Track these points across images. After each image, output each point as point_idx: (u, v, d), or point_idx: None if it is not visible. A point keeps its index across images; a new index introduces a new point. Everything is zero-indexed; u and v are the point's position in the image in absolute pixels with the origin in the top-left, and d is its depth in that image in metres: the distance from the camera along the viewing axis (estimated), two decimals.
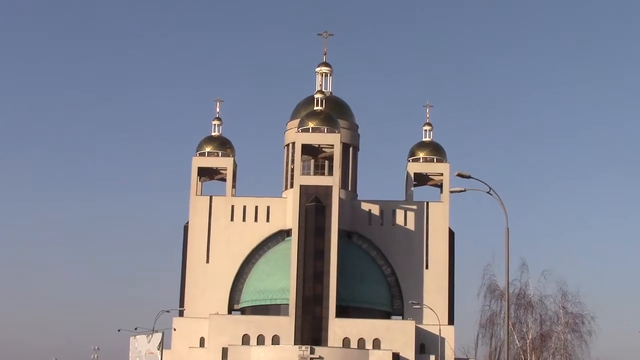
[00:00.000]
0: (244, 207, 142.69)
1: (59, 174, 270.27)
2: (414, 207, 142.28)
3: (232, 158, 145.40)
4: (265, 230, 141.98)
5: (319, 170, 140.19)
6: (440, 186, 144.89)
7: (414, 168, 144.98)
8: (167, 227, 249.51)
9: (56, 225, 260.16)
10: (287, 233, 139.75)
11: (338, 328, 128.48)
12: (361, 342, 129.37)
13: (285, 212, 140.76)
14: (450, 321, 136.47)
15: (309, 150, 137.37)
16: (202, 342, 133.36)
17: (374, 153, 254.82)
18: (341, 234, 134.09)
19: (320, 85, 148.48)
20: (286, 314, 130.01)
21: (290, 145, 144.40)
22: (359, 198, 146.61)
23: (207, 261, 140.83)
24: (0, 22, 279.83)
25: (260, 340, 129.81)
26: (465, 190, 54.79)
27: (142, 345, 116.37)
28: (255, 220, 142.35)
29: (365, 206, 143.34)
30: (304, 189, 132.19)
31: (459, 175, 52.95)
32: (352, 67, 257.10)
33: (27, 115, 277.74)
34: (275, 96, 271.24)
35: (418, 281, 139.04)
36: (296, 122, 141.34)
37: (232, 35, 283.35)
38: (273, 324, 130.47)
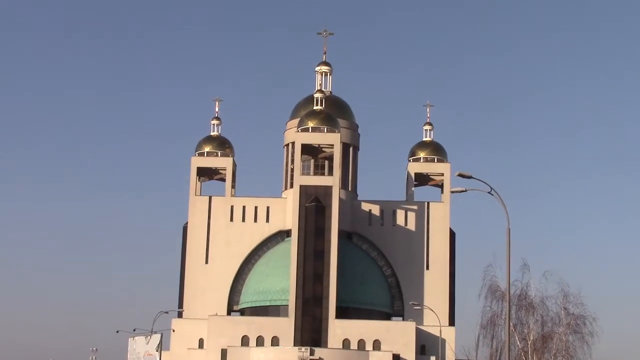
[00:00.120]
0: (244, 208, 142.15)
1: (58, 174, 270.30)
2: (415, 207, 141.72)
3: (232, 158, 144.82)
4: (264, 230, 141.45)
5: (318, 170, 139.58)
6: (441, 186, 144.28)
7: (414, 168, 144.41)
8: (166, 228, 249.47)
9: (54, 226, 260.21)
10: (287, 233, 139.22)
11: (338, 329, 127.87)
12: (361, 344, 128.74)
13: (285, 212, 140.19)
14: (451, 322, 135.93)
15: (308, 150, 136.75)
16: (201, 344, 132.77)
17: (374, 153, 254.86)
18: (341, 234, 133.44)
19: (320, 84, 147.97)
20: (286, 315, 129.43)
21: (290, 145, 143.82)
22: (359, 198, 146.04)
23: (207, 262, 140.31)
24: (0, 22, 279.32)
25: (260, 341, 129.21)
26: (466, 191, 54.59)
27: (140, 347, 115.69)
28: (255, 220, 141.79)
29: (365, 206, 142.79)
30: (303, 189, 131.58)
31: (460, 175, 52.70)
32: (352, 66, 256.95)
33: (26, 115, 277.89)
34: (275, 96, 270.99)
35: (418, 282, 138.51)
36: (296, 121, 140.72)
37: (231, 34, 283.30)
38: (272, 325, 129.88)
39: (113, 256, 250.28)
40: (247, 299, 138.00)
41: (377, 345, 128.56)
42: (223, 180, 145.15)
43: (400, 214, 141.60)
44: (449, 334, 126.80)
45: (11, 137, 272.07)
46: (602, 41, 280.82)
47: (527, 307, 72.84)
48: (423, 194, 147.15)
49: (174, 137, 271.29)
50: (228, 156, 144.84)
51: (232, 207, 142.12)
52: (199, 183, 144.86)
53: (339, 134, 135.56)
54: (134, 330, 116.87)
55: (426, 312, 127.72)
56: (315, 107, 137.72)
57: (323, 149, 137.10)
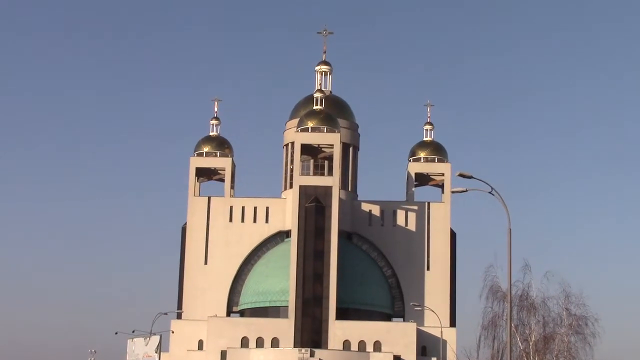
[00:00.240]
0: (243, 208, 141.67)
1: (58, 174, 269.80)
2: (415, 207, 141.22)
3: (231, 158, 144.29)
4: (264, 231, 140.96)
5: (318, 170, 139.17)
6: (442, 186, 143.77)
7: (414, 168, 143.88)
8: (164, 228, 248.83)
9: (52, 226, 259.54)
10: (287, 234, 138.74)
11: (338, 330, 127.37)
12: (362, 345, 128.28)
13: (285, 212, 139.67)
14: (452, 323, 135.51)
15: (308, 150, 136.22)
16: (200, 345, 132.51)
17: (375, 153, 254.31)
18: (341, 234, 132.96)
19: (320, 84, 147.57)
20: (286, 316, 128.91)
21: (290, 145, 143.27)
22: (359, 198, 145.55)
23: (206, 263, 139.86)
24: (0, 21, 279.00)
25: (260, 342, 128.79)
26: (466, 191, 54.32)
27: (139, 348, 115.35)
28: (254, 221, 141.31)
29: (365, 207, 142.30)
30: (303, 190, 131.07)
31: (461, 175, 52.42)
32: (352, 65, 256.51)
33: (26, 115, 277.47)
34: (274, 95, 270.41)
35: (419, 283, 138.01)
36: (295, 121, 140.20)
37: (231, 34, 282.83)
38: (272, 326, 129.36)
39: (112, 257, 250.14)
40: (246, 300, 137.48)
41: (377, 346, 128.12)
42: (222, 180, 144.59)
43: (400, 214, 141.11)
44: (450, 335, 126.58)
45: (11, 137, 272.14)
46: (602, 41, 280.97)
47: (528, 307, 72.51)
48: (423, 194, 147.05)
49: (172, 137, 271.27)
50: (227, 156, 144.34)
51: (231, 207, 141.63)
52: (197, 183, 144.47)
53: (339, 134, 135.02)
54: (133, 331, 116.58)
55: (427, 313, 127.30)
56: (315, 107, 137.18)
57: (323, 149, 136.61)
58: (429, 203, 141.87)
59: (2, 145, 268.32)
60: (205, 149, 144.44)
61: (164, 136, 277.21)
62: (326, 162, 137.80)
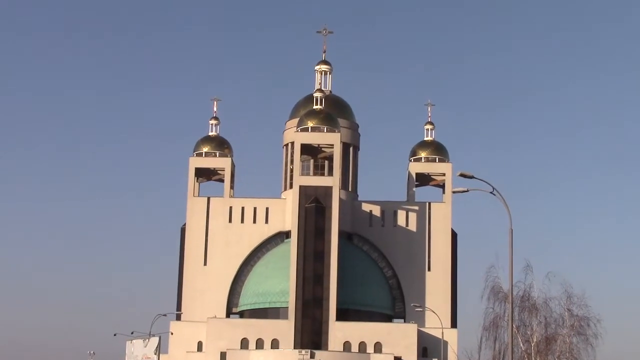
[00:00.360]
0: (242, 209, 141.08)
1: (56, 174, 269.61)
2: (416, 207, 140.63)
3: (230, 158, 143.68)
4: (264, 231, 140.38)
5: (318, 170, 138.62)
6: (443, 186, 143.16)
7: (415, 168, 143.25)
8: (164, 229, 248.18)
9: (50, 227, 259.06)
10: (287, 235, 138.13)
11: (338, 331, 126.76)
12: (362, 346, 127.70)
13: (285, 213, 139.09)
14: (453, 324, 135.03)
15: (308, 150, 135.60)
16: (199, 347, 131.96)
17: (375, 153, 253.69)
18: (341, 235, 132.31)
19: (320, 83, 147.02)
20: (285, 317, 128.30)
21: (289, 145, 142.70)
22: (359, 199, 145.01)
23: (205, 264, 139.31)
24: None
25: (259, 344, 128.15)
26: (467, 191, 54.09)
27: (138, 350, 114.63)
28: (254, 221, 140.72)
29: (366, 207, 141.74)
30: (303, 190, 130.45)
31: (462, 175, 52.12)
32: (352, 65, 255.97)
33: (26, 115, 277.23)
34: (274, 95, 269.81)
35: (420, 283, 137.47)
36: (295, 121, 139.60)
37: (230, 33, 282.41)
38: (272, 327, 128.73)
39: (110, 258, 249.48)
40: (246, 301, 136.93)
41: (378, 347, 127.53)
42: (221, 180, 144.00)
43: (401, 215, 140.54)
44: (451, 336, 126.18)
45: (11, 137, 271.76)
46: (602, 41, 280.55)
47: (530, 308, 72.46)
48: (424, 194, 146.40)
49: (171, 137, 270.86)
50: (226, 156, 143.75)
51: (230, 208, 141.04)
52: (197, 184, 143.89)
53: (339, 133, 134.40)
54: (132, 333, 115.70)
55: (428, 314, 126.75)
56: (314, 107, 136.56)
57: (323, 149, 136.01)
58: (429, 203, 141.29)
59: (2, 145, 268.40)
60: (205, 149, 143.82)
61: (163, 136, 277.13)
62: (326, 162, 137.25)
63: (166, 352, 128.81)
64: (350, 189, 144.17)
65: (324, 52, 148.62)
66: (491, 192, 52.14)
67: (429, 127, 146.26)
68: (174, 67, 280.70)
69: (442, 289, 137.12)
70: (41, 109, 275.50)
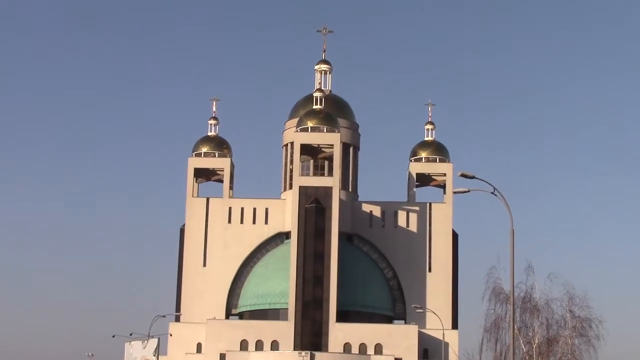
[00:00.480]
0: (242, 209, 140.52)
1: (56, 174, 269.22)
2: (416, 208, 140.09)
3: (229, 158, 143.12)
4: (263, 232, 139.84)
5: (318, 170, 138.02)
6: (443, 187, 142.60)
7: (416, 168, 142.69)
8: (162, 230, 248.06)
9: (50, 227, 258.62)
10: (286, 235, 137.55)
11: (339, 333, 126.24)
12: (362, 348, 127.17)
13: (284, 213, 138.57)
14: (454, 325, 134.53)
15: (308, 150, 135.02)
16: (199, 348, 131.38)
17: (375, 153, 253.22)
18: (341, 236, 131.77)
19: (320, 83, 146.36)
20: (285, 318, 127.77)
21: (289, 145, 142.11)
22: (359, 199, 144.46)
23: (204, 264, 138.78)
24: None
25: (259, 345, 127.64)
26: (468, 191, 53.55)
27: (137, 352, 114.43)
28: (254, 222, 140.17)
29: (366, 207, 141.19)
30: (303, 190, 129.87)
31: (463, 175, 51.59)
32: (352, 64, 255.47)
33: (26, 115, 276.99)
34: (273, 95, 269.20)
35: (421, 284, 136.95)
36: (295, 121, 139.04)
37: (229, 33, 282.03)
38: (272, 329, 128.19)
39: (109, 259, 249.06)
40: (245, 302, 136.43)
41: (378, 349, 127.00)
42: (221, 181, 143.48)
43: (401, 215, 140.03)
44: (452, 338, 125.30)
45: (11, 137, 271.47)
46: (602, 41, 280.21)
47: (531, 309, 72.15)
48: (425, 194, 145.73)
49: (170, 137, 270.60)
50: (226, 157, 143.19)
51: (230, 208, 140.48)
52: (196, 184, 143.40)
53: (339, 133, 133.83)
54: (131, 334, 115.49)
55: (429, 315, 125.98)
56: (314, 107, 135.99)
57: (323, 149, 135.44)
58: (430, 204, 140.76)
59: (2, 145, 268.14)
60: (204, 149, 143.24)
61: (162, 136, 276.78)
62: (326, 163, 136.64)
63: (165, 353, 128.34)
64: (350, 190, 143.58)
65: (324, 51, 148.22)
66: (492, 193, 51.65)
67: (429, 127, 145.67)
68: (173, 67, 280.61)
69: (443, 290, 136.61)
70: (41, 109, 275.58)
